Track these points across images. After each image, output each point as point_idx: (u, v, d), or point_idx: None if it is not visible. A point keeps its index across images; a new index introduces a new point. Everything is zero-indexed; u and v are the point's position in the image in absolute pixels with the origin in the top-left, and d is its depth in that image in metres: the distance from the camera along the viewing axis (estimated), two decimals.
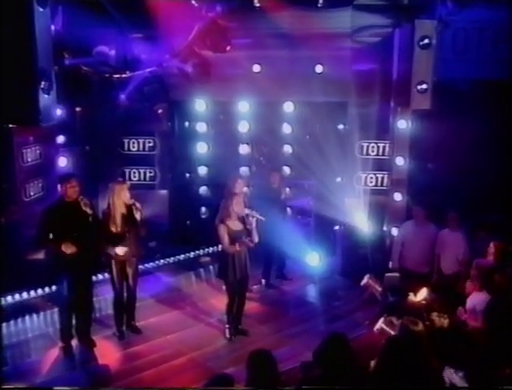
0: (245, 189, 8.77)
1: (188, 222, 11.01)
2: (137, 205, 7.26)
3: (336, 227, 10.28)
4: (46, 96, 6.87)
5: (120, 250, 7.32)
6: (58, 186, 7.16)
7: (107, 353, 7.28)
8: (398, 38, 8.94)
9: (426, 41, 8.31)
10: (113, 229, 7.27)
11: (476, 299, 6.28)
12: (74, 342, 7.38)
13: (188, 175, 11.07)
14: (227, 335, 7.67)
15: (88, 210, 6.97)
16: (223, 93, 9.96)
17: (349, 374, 4.35)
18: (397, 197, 9.59)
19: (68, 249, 6.83)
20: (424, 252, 8.25)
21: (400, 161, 9.51)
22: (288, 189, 9.56)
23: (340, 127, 10.48)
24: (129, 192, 7.34)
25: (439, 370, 4.71)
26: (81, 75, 8.43)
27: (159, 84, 9.28)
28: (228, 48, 8.80)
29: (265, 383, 4.37)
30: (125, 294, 7.63)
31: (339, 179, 10.19)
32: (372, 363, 4.71)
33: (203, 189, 11.00)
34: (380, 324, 5.76)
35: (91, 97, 8.91)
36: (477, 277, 6.51)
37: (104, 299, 8.33)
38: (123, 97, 8.93)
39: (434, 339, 4.94)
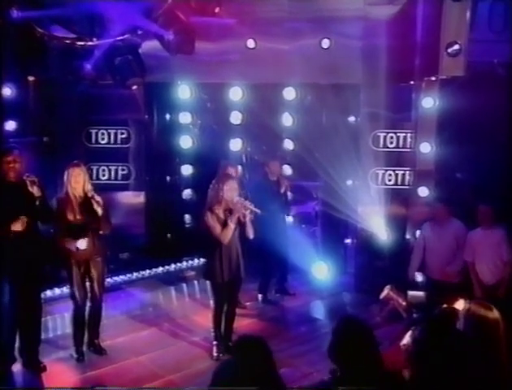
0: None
1: (168, 235, 10.71)
2: (97, 198, 6.86)
3: (348, 241, 10.15)
4: None
5: (82, 243, 6.81)
6: None
7: (60, 378, 6.76)
8: None
9: None
10: (70, 218, 6.81)
11: None
12: (16, 366, 6.82)
13: (168, 176, 10.77)
14: (215, 354, 7.19)
15: (36, 191, 6.46)
16: (211, 73, 9.44)
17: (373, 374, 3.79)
18: (423, 192, 9.04)
19: (17, 226, 6.33)
20: (450, 257, 7.85)
21: (425, 148, 8.98)
22: (287, 181, 9.12)
23: (352, 119, 10.04)
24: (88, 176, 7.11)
25: None
26: (35, 39, 7.76)
27: (133, 56, 8.48)
28: (217, 9, 8.36)
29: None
30: (88, 304, 7.15)
31: (350, 182, 9.72)
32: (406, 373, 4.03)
33: (187, 193, 10.63)
34: (408, 339, 5.02)
35: (48, 68, 8.28)
36: None
37: (61, 317, 8.01)
38: (88, 67, 8.24)
39: None
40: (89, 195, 6.79)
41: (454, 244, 7.79)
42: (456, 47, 7.80)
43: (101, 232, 7.02)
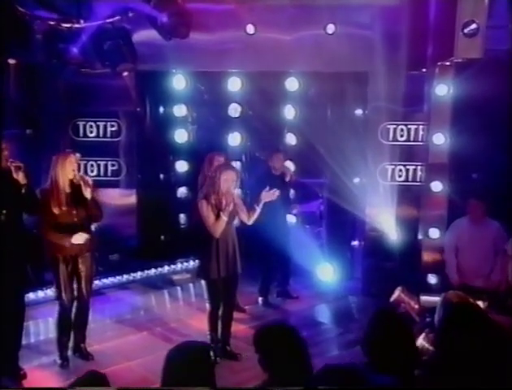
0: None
1: (162, 235, 10.63)
2: (87, 179, 6.79)
3: (355, 243, 10.07)
4: None
5: (79, 238, 6.71)
6: None
7: (42, 385, 6.55)
8: None
9: None
10: (55, 211, 6.62)
11: None
12: None
13: (162, 173, 10.73)
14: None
15: (21, 178, 6.22)
16: (208, 62, 9.32)
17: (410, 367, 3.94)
18: (436, 186, 8.83)
19: None
20: (487, 260, 7.85)
21: (438, 139, 8.74)
22: (292, 168, 9.16)
23: (359, 110, 9.93)
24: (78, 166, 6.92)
25: None
26: (16, 18, 7.55)
27: (124, 40, 8.37)
28: None
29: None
30: (75, 303, 6.97)
31: (357, 180, 9.67)
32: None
33: (182, 191, 10.58)
34: (421, 341, 5.35)
35: (31, 50, 8.06)
36: None
37: (44, 322, 7.82)
38: (75, 51, 8.13)
39: None
40: (77, 179, 6.64)
41: (492, 248, 7.75)
42: (473, 27, 7.58)
43: (93, 227, 7.04)
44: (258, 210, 6.78)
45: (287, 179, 8.70)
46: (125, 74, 8.89)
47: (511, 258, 7.46)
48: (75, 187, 6.67)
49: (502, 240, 7.65)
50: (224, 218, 6.61)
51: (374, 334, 4.03)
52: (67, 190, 6.66)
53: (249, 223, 6.89)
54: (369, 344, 4.01)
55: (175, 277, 9.89)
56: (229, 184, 6.65)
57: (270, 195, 6.80)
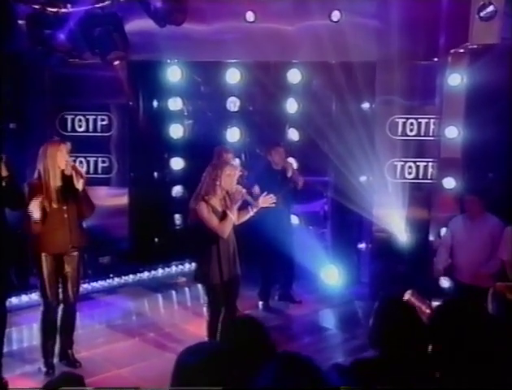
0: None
1: (155, 237, 10.67)
2: (79, 168, 6.68)
3: (362, 245, 9.98)
4: None
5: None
6: None
7: None
8: None
9: None
10: (45, 206, 6.51)
11: None
12: None
13: (156, 171, 10.77)
14: None
15: (3, 171, 6.10)
16: (204, 51, 9.26)
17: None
18: (448, 183, 8.84)
19: None
20: (484, 257, 7.68)
21: (451, 132, 8.77)
22: (294, 163, 9.21)
23: (365, 104, 9.92)
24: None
25: None
26: None
27: (114, 27, 8.15)
28: None
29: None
30: (60, 306, 6.85)
31: (364, 178, 9.64)
32: None
33: (177, 190, 10.60)
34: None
35: (13, 36, 7.67)
36: None
37: (28, 328, 7.72)
38: (62, 37, 7.93)
39: None
40: (68, 168, 6.51)
41: (489, 243, 7.62)
42: (490, 9, 7.51)
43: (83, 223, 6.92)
44: (251, 213, 6.76)
45: (288, 174, 8.61)
46: (116, 63, 8.72)
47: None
48: (66, 179, 6.56)
49: (500, 234, 7.59)
50: (232, 217, 6.57)
51: (383, 323, 3.99)
52: (58, 183, 6.56)
53: (236, 222, 6.79)
54: (378, 335, 3.98)
55: (170, 281, 9.91)
56: (232, 179, 6.63)
57: (267, 200, 6.77)
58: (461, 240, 7.83)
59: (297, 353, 3.05)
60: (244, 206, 6.75)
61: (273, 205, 6.91)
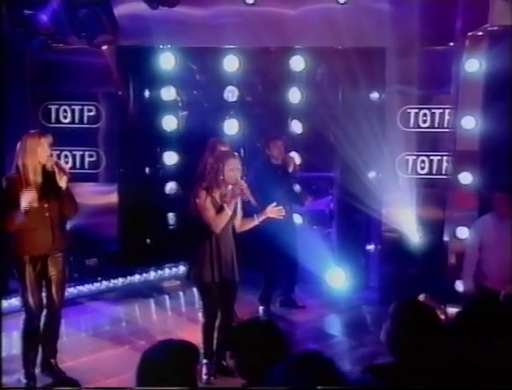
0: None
1: (147, 237, 10.61)
2: (61, 164, 6.65)
3: (370, 247, 9.91)
4: None
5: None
6: None
7: None
8: None
9: None
10: (24, 204, 6.36)
11: None
12: None
13: (148, 166, 10.67)
14: (204, 376, 6.88)
15: None
16: (200, 36, 9.21)
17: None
18: (465, 178, 8.75)
19: None
20: None
21: (468, 123, 8.67)
22: (297, 158, 9.23)
23: (375, 93, 9.85)
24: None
25: None
26: None
27: (102, 8, 8.20)
28: None
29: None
30: (44, 312, 6.76)
31: (372, 174, 9.62)
32: None
33: (171, 187, 10.54)
34: None
35: None
36: None
37: (8, 335, 7.44)
38: (44, 18, 7.94)
39: None
40: (50, 164, 6.43)
41: None
42: None
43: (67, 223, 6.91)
44: (256, 222, 6.82)
45: (290, 169, 8.59)
46: (104, 48, 8.67)
47: None
48: (48, 174, 6.50)
49: None
50: (229, 211, 6.59)
51: (401, 327, 3.94)
52: (39, 180, 6.50)
53: (238, 230, 6.87)
54: (395, 339, 3.97)
55: (163, 284, 9.96)
56: (235, 173, 6.63)
57: (276, 212, 6.81)
58: (489, 243, 7.70)
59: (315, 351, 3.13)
60: (249, 214, 6.81)
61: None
